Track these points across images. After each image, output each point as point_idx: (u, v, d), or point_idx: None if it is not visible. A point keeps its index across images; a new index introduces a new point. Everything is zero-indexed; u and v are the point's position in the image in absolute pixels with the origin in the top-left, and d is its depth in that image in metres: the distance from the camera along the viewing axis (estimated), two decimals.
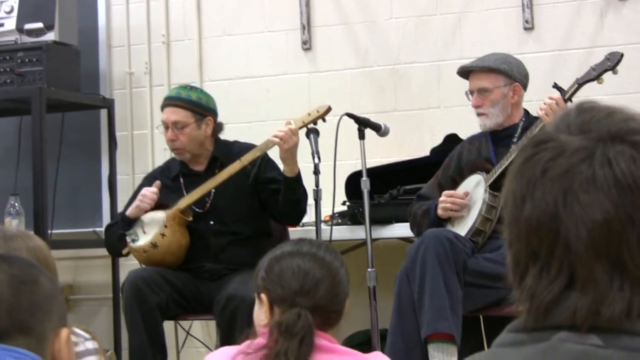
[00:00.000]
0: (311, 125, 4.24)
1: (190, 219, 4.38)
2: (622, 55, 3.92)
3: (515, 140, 4.07)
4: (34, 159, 4.89)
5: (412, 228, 4.26)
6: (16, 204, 4.97)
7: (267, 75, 5.41)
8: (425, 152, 4.94)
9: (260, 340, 2.19)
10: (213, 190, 4.39)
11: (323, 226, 4.20)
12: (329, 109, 4.25)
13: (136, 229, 4.39)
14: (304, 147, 4.24)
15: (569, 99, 3.95)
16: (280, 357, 2.13)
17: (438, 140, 4.94)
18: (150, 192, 4.37)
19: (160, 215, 4.37)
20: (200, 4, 5.57)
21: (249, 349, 2.20)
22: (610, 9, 4.91)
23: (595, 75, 3.93)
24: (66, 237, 5.41)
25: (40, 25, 5.05)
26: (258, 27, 5.45)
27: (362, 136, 4.16)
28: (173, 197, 4.42)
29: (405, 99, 5.19)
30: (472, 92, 4.16)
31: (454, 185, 4.19)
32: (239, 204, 4.41)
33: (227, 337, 4.02)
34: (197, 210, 4.40)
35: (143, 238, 4.36)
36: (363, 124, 4.20)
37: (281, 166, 4.33)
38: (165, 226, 4.33)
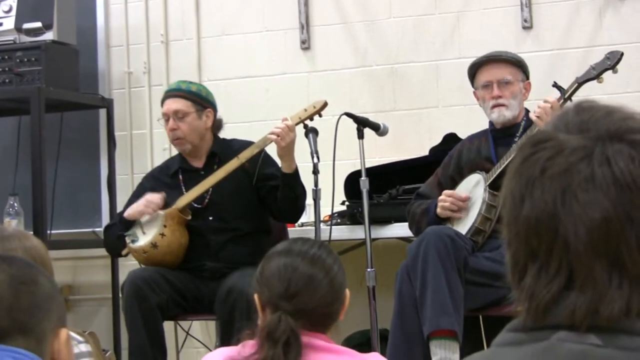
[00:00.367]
0: (310, 125, 4.24)
1: (189, 217, 4.38)
2: (622, 54, 3.92)
3: (516, 139, 4.06)
4: (33, 159, 4.89)
5: (410, 226, 4.26)
6: (15, 204, 4.97)
7: (266, 74, 5.41)
8: (424, 152, 4.94)
9: (252, 344, 2.16)
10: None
11: (322, 226, 4.20)
12: (325, 104, 4.25)
13: (135, 229, 4.39)
14: (303, 146, 4.24)
15: (569, 98, 3.94)
16: None
17: (437, 139, 4.94)
18: (157, 199, 4.36)
19: (159, 215, 4.37)
20: (199, 4, 5.57)
21: (238, 355, 2.17)
22: (609, 8, 4.91)
23: (595, 74, 3.93)
24: (65, 237, 5.41)
25: (38, 24, 5.04)
26: (257, 26, 5.45)
27: (361, 136, 4.16)
28: (172, 194, 4.42)
29: (404, 99, 5.19)
30: (488, 84, 4.11)
31: (453, 184, 4.19)
32: (238, 200, 4.41)
33: (226, 331, 4.03)
34: (196, 205, 4.40)
35: (142, 238, 4.36)
36: (362, 123, 4.20)
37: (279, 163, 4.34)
38: (165, 226, 4.33)
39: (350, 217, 4.64)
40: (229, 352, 2.23)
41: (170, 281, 4.24)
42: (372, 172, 4.41)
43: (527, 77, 4.18)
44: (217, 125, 4.54)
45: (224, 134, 4.63)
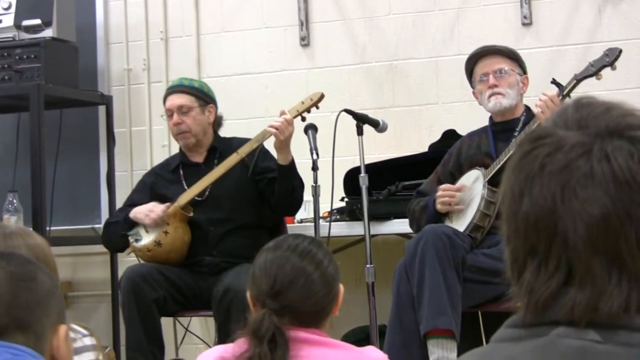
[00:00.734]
0: (309, 122, 4.24)
1: (191, 214, 4.40)
2: (620, 51, 3.92)
3: (516, 134, 4.06)
4: (32, 156, 4.89)
5: (411, 224, 4.26)
6: (15, 201, 4.97)
7: (265, 71, 5.41)
8: (424, 148, 4.94)
9: (241, 344, 2.16)
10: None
11: (321, 222, 4.20)
12: (322, 96, 4.27)
13: (138, 228, 4.41)
14: (302, 143, 4.24)
15: (567, 95, 3.94)
16: None
17: (436, 136, 4.94)
18: (163, 214, 4.35)
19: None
20: (198, 1, 5.56)
21: (232, 352, 2.17)
22: (608, 5, 4.91)
23: (593, 71, 3.93)
24: (65, 234, 5.41)
25: (38, 21, 5.04)
26: (256, 23, 5.45)
27: (360, 132, 4.16)
28: (173, 189, 4.44)
29: (404, 95, 5.19)
30: (485, 75, 4.12)
31: (453, 180, 4.19)
32: (237, 194, 4.43)
33: (223, 330, 4.04)
34: (197, 198, 4.42)
35: (146, 237, 4.38)
36: (361, 120, 4.20)
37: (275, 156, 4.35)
38: (168, 224, 4.35)
39: (349, 213, 4.64)
40: (224, 350, 2.23)
41: (168, 277, 4.25)
42: (372, 168, 4.41)
43: (525, 72, 4.18)
44: (218, 122, 4.59)
45: (224, 130, 4.64)
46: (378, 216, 4.49)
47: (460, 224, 4.00)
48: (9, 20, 5.09)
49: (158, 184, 4.50)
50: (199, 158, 4.54)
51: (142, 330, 4.14)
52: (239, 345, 2.16)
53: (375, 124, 4.25)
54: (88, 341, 2.37)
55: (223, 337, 4.04)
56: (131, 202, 4.53)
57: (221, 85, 5.29)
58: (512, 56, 4.16)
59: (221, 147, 4.50)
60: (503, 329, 1.14)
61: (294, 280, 2.19)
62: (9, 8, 5.10)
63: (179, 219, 4.38)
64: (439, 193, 4.07)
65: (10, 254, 1.57)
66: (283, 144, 4.22)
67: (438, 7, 5.17)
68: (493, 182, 3.93)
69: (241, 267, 4.13)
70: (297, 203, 4.41)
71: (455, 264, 3.72)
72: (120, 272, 4.66)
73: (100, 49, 5.65)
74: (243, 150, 4.35)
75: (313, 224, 4.09)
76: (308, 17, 5.35)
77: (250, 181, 4.43)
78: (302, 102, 4.29)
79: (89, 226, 5.51)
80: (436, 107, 5.14)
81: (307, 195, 4.36)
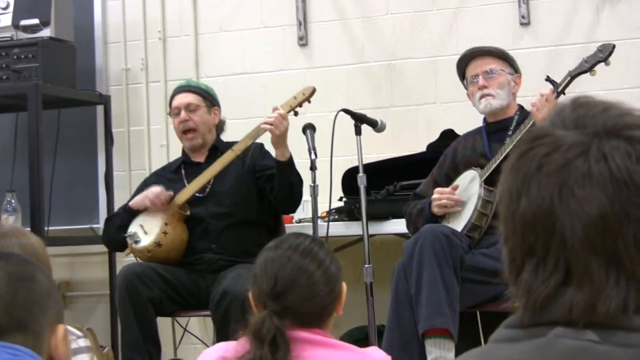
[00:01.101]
0: (307, 121, 4.24)
1: (188, 213, 4.41)
2: (614, 46, 3.92)
3: (510, 133, 4.07)
4: (30, 156, 4.89)
5: (407, 227, 4.26)
6: (12, 201, 4.97)
7: (264, 71, 5.41)
8: (422, 148, 4.94)
9: (243, 343, 2.16)
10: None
11: (320, 222, 4.20)
12: (314, 91, 4.29)
13: (137, 230, 4.40)
14: (300, 143, 4.24)
15: (562, 92, 3.95)
16: None
17: (434, 135, 4.94)
18: (164, 196, 4.35)
19: (158, 213, 4.39)
20: (196, 0, 5.56)
21: (234, 352, 2.16)
22: (606, 4, 4.91)
23: (587, 67, 3.93)
24: (63, 234, 5.41)
25: (36, 21, 5.04)
26: (254, 23, 5.45)
27: (358, 132, 4.16)
28: (175, 187, 4.45)
29: (402, 95, 5.19)
30: (475, 77, 4.13)
31: (449, 181, 4.19)
32: (238, 190, 4.44)
33: (222, 333, 4.05)
34: (198, 195, 4.43)
35: (145, 238, 4.37)
36: (359, 119, 4.20)
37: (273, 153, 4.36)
38: (166, 224, 4.36)
39: (347, 213, 4.64)
40: (225, 349, 2.22)
41: (164, 276, 4.25)
42: (370, 168, 4.40)
43: (517, 71, 4.18)
44: (221, 125, 4.63)
45: (224, 133, 4.66)
46: (376, 216, 4.49)
47: (458, 224, 4.00)
48: (6, 19, 5.08)
49: (159, 183, 4.50)
50: (200, 158, 4.56)
51: (137, 329, 4.15)
52: (241, 344, 2.15)
53: (373, 123, 4.25)
54: (82, 343, 2.37)
55: (222, 339, 4.04)
56: None
57: (219, 84, 5.28)
58: (501, 56, 4.16)
59: (222, 148, 4.52)
60: (501, 329, 1.14)
61: (296, 280, 2.18)
62: (6, 8, 5.10)
63: (177, 218, 4.39)
64: (435, 196, 4.08)
65: (8, 254, 1.57)
66: (280, 139, 4.22)
67: (436, 7, 5.17)
68: (489, 182, 3.93)
69: (240, 269, 4.13)
70: (297, 199, 4.41)
71: (453, 263, 3.72)
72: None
73: (98, 49, 5.65)
74: (238, 147, 4.37)
75: (311, 223, 4.09)
76: (306, 16, 5.35)
77: (251, 179, 4.44)
78: (295, 97, 4.31)
79: (87, 226, 5.51)
80: (434, 107, 5.14)
81: (306, 195, 4.36)
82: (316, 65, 5.32)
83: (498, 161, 3.96)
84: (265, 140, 4.39)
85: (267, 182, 4.39)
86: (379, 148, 5.00)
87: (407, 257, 3.79)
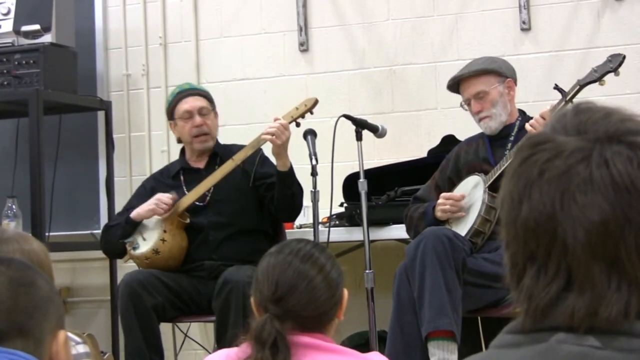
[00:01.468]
0: (308, 127, 4.24)
1: (187, 221, 4.40)
2: (624, 57, 3.92)
3: (511, 139, 4.07)
4: (31, 161, 4.89)
5: (407, 230, 4.26)
6: (13, 207, 4.97)
7: (264, 77, 5.41)
8: (423, 154, 4.94)
9: (244, 349, 2.16)
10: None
11: (321, 228, 4.20)
12: (316, 102, 4.27)
13: (135, 236, 4.40)
14: (301, 148, 4.24)
15: (570, 101, 3.94)
16: None
17: (435, 141, 4.94)
18: (167, 199, 4.36)
19: (157, 220, 4.38)
20: (197, 6, 5.57)
21: (231, 358, 2.16)
22: (607, 10, 4.91)
23: (597, 76, 3.92)
24: (64, 240, 5.40)
25: (37, 27, 5.04)
26: (255, 28, 5.45)
27: (359, 138, 4.16)
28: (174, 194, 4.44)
29: (403, 100, 5.19)
30: (468, 101, 4.15)
31: (452, 186, 4.19)
32: (238, 199, 4.44)
33: (221, 325, 4.04)
34: (198, 203, 4.42)
35: (143, 245, 4.37)
36: (360, 125, 4.20)
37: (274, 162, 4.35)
38: (165, 231, 4.35)
39: (348, 218, 4.64)
40: (227, 355, 2.23)
41: (166, 283, 4.25)
42: (371, 173, 4.41)
43: (507, 76, 4.14)
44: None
45: (222, 136, 4.65)
46: (377, 221, 4.49)
47: (461, 229, 3.99)
48: (8, 25, 5.09)
49: (158, 189, 4.50)
50: (200, 164, 4.55)
51: (141, 336, 4.14)
52: (242, 349, 2.16)
53: (374, 129, 4.26)
54: (82, 349, 2.37)
55: (221, 330, 4.05)
56: (130, 207, 4.52)
57: (220, 90, 5.29)
58: (486, 72, 4.13)
59: (222, 153, 4.52)
60: (502, 334, 1.13)
61: (296, 284, 2.18)
62: (8, 13, 5.10)
63: (176, 226, 4.38)
64: (440, 201, 4.07)
65: (9, 259, 1.56)
66: (281, 149, 4.21)
67: (437, 13, 5.17)
68: (493, 188, 3.93)
69: (241, 265, 4.16)
70: (297, 209, 4.41)
71: (455, 265, 3.72)
72: (120, 278, 4.66)
73: (99, 55, 5.65)
74: (238, 157, 4.35)
75: (312, 229, 4.09)
76: (307, 22, 5.36)
77: (251, 188, 4.44)
78: (297, 108, 4.29)
79: (88, 232, 5.51)
80: (435, 113, 5.14)
81: (306, 201, 4.36)
82: (317, 71, 5.33)
83: (503, 167, 3.96)
84: (266, 150, 4.38)
85: (267, 190, 4.38)
86: (379, 154, 5.01)
87: (409, 260, 3.79)
